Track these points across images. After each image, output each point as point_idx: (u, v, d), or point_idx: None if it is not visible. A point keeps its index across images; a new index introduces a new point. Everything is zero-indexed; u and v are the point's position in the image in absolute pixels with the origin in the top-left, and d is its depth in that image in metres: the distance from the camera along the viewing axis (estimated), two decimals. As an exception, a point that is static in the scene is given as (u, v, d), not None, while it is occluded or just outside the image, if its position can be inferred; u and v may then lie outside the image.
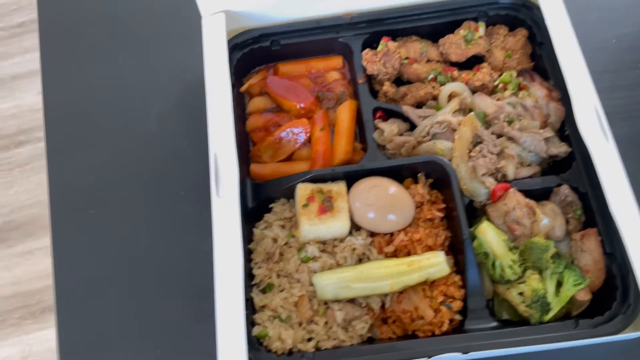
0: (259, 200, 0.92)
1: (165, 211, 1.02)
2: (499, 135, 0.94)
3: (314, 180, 0.90)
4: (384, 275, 0.84)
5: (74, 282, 0.97)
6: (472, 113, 0.94)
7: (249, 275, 0.88)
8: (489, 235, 0.84)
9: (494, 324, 0.83)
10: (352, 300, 0.87)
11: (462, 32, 1.01)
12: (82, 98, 1.13)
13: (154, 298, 0.95)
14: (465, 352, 0.78)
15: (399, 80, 1.04)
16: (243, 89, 1.03)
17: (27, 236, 1.81)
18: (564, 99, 0.95)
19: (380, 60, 0.99)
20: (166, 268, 0.97)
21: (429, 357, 0.78)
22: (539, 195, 0.92)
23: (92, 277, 0.97)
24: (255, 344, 0.82)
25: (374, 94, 1.03)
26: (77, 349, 0.93)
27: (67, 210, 1.02)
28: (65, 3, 1.24)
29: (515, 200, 0.88)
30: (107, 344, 0.93)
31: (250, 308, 0.86)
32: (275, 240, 0.90)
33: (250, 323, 0.85)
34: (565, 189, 0.90)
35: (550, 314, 0.83)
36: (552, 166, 0.96)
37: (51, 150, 1.08)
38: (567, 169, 0.92)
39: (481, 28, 1.02)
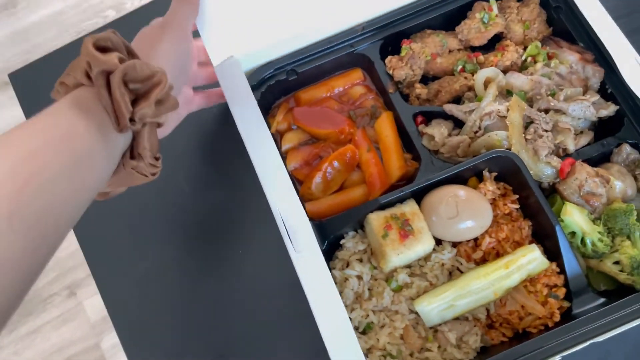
0: (328, 240, 0.88)
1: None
2: (546, 111, 0.93)
3: (383, 206, 0.87)
4: (486, 285, 0.82)
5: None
6: (515, 95, 0.92)
7: (344, 321, 0.85)
8: (575, 215, 0.83)
9: (601, 300, 0.82)
10: (457, 317, 0.84)
11: (477, 15, 0.98)
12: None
13: None
14: (587, 340, 0.77)
15: (424, 79, 1.01)
16: (273, 129, 0.98)
17: (27, 315, 1.74)
18: (598, 59, 0.94)
19: (406, 64, 0.95)
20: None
21: (557, 354, 0.77)
22: (599, 160, 0.92)
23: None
24: (378, 390, 0.80)
25: (405, 99, 0.99)
26: None
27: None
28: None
29: (585, 172, 0.87)
30: None
31: (359, 355, 0.83)
32: (360, 277, 0.87)
33: (365, 370, 0.81)
34: (626, 148, 0.90)
35: (653, 276, 0.83)
36: (600, 128, 0.96)
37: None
38: (619, 127, 0.92)
39: (494, 6, 0.99)
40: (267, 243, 0.99)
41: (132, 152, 0.65)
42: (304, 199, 0.96)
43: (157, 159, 0.67)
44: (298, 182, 0.97)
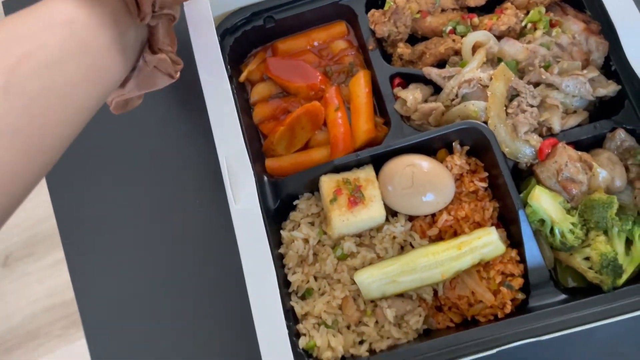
0: (281, 199, 0.84)
1: (182, 223, 0.95)
2: (537, 84, 0.83)
3: (338, 169, 0.81)
4: (433, 264, 0.75)
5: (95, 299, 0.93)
6: (502, 63, 0.83)
7: (284, 283, 0.81)
8: (543, 201, 0.75)
9: (562, 297, 0.75)
10: (401, 294, 0.79)
11: (477, -30, 0.88)
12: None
13: (186, 314, 0.90)
14: (536, 336, 0.70)
15: (413, 39, 0.93)
16: (242, 78, 0.93)
17: (54, 247, 1.78)
18: (605, 31, 0.83)
19: (389, 19, 0.88)
20: (190, 282, 0.91)
21: (501, 346, 0.70)
22: (590, 144, 0.82)
23: (114, 294, 0.92)
24: (304, 357, 0.76)
25: (388, 58, 0.92)
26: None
27: (76, 229, 0.97)
28: None
29: (566, 155, 0.78)
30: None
31: (292, 319, 0.79)
32: (306, 240, 0.82)
33: (295, 335, 0.78)
34: (620, 133, 0.80)
35: (624, 277, 0.74)
36: (600, 109, 0.86)
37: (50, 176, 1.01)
38: (618, 109, 0.82)
39: (498, -38, 0.89)
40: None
41: (151, 47, 0.63)
42: (266, 154, 0.91)
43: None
44: (263, 136, 0.93)
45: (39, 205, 1.85)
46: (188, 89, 0.94)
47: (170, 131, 1.00)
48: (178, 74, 0.67)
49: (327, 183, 0.80)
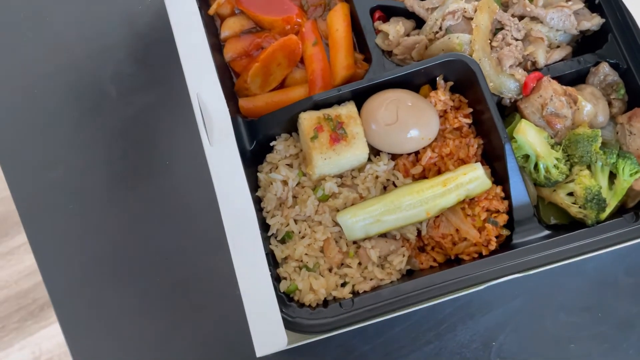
0: (257, 140, 0.79)
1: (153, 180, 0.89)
2: (521, 17, 0.81)
3: (318, 106, 0.77)
4: (418, 202, 0.73)
5: (63, 277, 0.86)
6: (487, -5, 0.80)
7: (263, 227, 0.77)
8: (529, 135, 0.73)
9: (545, 232, 0.74)
10: (384, 234, 0.77)
11: None
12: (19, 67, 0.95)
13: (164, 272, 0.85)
14: (521, 272, 0.70)
15: (392, -29, 0.88)
16: (212, 11, 0.86)
17: (2, 236, 1.67)
18: (591, -40, 0.81)
19: (368, -52, 0.82)
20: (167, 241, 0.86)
21: (485, 283, 0.70)
22: (573, 79, 0.81)
23: (82, 265, 0.86)
24: (285, 300, 0.73)
25: (367, -9, 0.87)
26: (84, 338, 0.84)
27: (36, 204, 0.89)
28: None
29: (551, 89, 0.76)
30: (111, 327, 0.84)
31: (272, 262, 0.76)
32: (285, 182, 0.79)
33: (275, 279, 0.75)
34: (604, 67, 0.79)
35: (607, 211, 0.74)
36: (582, 43, 0.84)
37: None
38: (602, 44, 0.80)
39: None
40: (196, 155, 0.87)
41: None
42: (238, 94, 0.86)
43: None
44: (235, 74, 0.88)
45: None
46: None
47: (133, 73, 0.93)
48: None
49: (307, 120, 0.76)
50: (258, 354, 0.66)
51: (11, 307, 1.59)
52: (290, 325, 0.70)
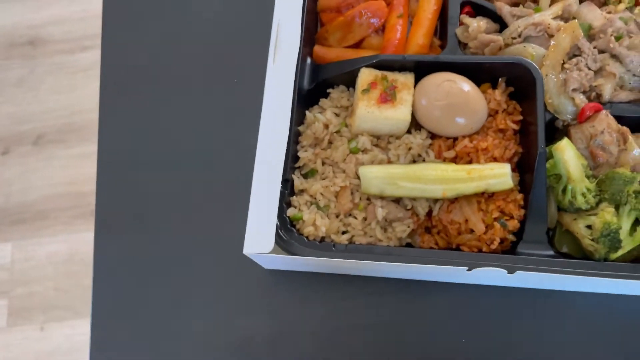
0: (317, 82, 0.85)
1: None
2: (602, 52, 0.81)
3: (381, 66, 0.82)
4: (438, 179, 0.76)
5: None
6: (575, 20, 0.81)
7: (293, 157, 0.83)
8: (567, 153, 0.74)
9: (550, 252, 0.74)
10: (397, 201, 0.80)
11: None
12: None
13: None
14: (510, 272, 0.70)
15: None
16: (320, -38, 0.94)
17: (86, 140, 1.81)
18: (691, 20, 0.81)
19: (480, -53, 0.87)
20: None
21: (469, 267, 0.71)
22: (635, 125, 0.80)
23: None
24: (287, 223, 0.78)
25: (465, -14, 0.91)
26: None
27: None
28: None
29: (605, 123, 0.76)
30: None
31: (290, 189, 0.81)
32: (326, 126, 0.84)
33: (286, 203, 0.80)
34: (668, 122, 0.77)
35: (619, 253, 0.73)
36: (657, 99, 0.83)
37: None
38: (674, 102, 0.79)
39: None
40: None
41: None
42: (317, 41, 0.93)
43: None
44: (321, 24, 0.94)
45: (83, 96, 1.85)
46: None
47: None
48: None
49: (366, 74, 0.81)
50: (244, 251, 0.71)
51: (70, 202, 1.74)
52: (281, 244, 0.75)
